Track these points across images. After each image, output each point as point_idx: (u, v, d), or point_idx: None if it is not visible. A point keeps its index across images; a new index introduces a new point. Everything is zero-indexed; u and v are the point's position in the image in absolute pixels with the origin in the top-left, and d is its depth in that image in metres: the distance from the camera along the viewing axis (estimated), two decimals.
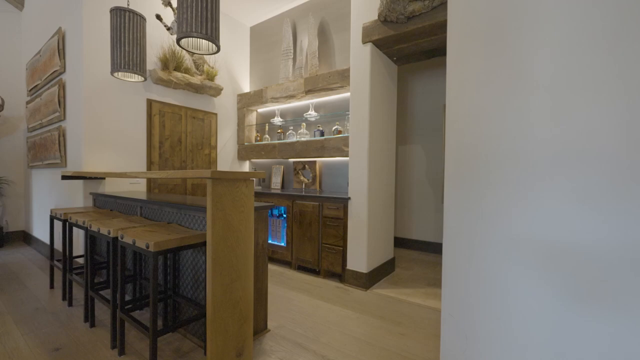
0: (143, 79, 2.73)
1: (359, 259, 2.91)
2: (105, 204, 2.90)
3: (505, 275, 1.16)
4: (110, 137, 3.18)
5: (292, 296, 2.68)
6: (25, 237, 4.49)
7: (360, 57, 2.92)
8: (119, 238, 1.74)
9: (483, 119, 1.21)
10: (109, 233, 1.83)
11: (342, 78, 3.33)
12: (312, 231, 3.23)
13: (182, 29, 1.95)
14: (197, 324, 1.93)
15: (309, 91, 3.65)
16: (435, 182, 4.33)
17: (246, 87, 4.73)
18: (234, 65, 4.53)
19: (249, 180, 1.69)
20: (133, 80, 2.73)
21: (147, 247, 1.53)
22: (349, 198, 2.97)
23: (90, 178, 3.06)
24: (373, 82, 2.92)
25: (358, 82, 2.94)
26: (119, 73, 2.64)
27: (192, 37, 1.94)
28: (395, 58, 3.18)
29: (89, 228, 2.05)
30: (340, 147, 3.40)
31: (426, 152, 4.41)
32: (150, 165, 3.49)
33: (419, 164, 4.48)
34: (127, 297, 2.57)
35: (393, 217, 3.44)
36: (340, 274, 3.07)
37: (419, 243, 4.46)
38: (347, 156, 3.35)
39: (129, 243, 1.65)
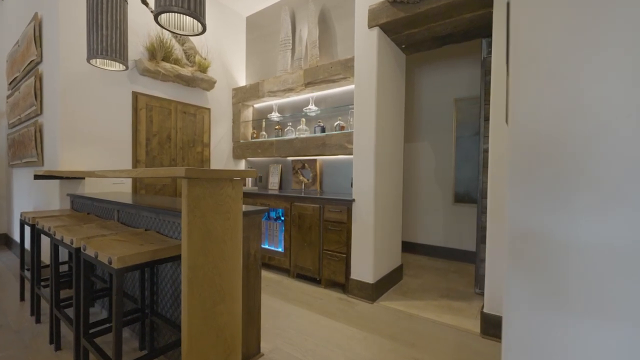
0: (124, 67, 2.44)
1: (364, 268, 2.62)
2: (83, 206, 2.62)
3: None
4: (90, 133, 2.89)
5: (290, 310, 2.39)
6: (7, 241, 4.21)
7: (365, 44, 2.63)
8: (82, 249, 1.45)
9: (567, 104, 0.83)
10: (72, 243, 1.54)
11: (345, 68, 3.04)
12: (312, 236, 2.94)
13: (160, 3, 1.66)
14: (178, 350, 1.64)
15: (309, 84, 3.36)
16: (444, 182, 4.04)
17: (242, 81, 4.43)
18: (229, 57, 4.23)
19: (236, 180, 1.40)
20: (113, 69, 2.44)
21: (110, 262, 1.24)
22: (353, 200, 2.68)
23: (66, 178, 2.77)
24: (380, 71, 2.63)
25: (363, 71, 2.64)
26: (97, 60, 2.36)
27: (172, 12, 1.66)
28: (404, 45, 2.89)
29: (52, 236, 1.77)
30: (343, 144, 3.11)
31: (435, 149, 4.12)
32: (136, 163, 3.20)
33: (426, 162, 4.19)
34: (104, 314, 2.29)
35: (401, 221, 3.15)
36: (343, 284, 2.78)
37: (426, 247, 4.17)
38: (350, 154, 3.05)
39: (91, 256, 1.37)
